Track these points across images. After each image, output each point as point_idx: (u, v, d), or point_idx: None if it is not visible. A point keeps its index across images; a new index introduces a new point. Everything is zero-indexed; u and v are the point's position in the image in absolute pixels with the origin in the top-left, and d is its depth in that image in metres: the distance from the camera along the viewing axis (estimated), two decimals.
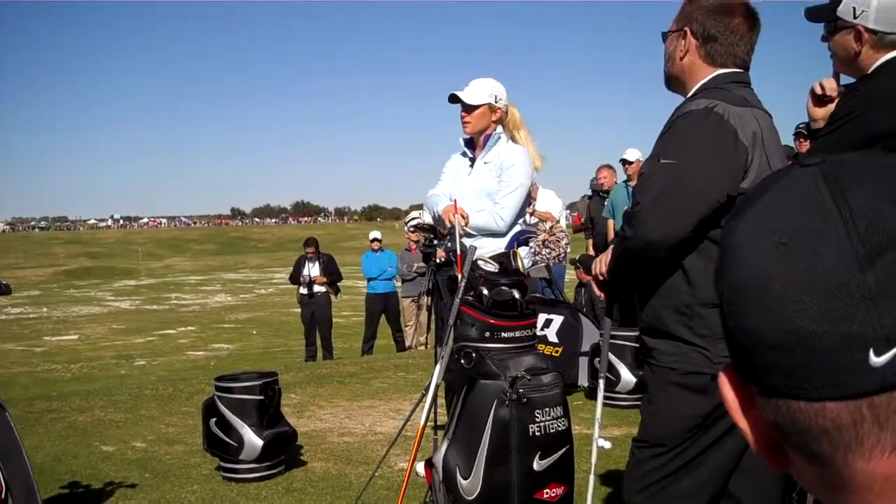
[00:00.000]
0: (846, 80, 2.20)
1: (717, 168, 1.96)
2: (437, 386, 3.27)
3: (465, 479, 2.98)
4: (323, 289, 10.31)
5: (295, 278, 10.50)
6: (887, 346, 0.40)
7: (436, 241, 3.74)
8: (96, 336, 16.32)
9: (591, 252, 8.12)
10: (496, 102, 3.71)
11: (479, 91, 3.70)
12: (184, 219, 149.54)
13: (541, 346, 5.23)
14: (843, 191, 0.43)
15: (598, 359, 4.05)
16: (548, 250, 6.03)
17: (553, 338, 6.20)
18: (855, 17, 2.03)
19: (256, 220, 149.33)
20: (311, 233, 14.20)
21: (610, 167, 8.36)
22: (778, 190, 0.46)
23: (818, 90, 2.22)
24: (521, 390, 2.96)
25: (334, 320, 10.86)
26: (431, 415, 3.48)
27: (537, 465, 2.98)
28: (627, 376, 5.58)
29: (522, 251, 3.57)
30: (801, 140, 5.72)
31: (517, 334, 3.15)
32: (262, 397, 4.24)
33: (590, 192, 8.69)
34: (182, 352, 13.74)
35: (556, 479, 3.03)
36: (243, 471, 4.23)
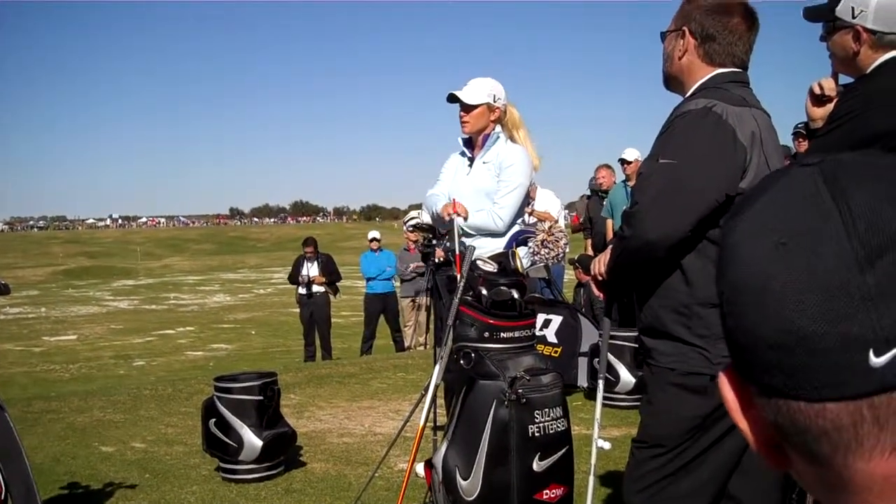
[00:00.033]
0: (845, 79, 2.20)
1: (715, 168, 1.96)
2: (437, 386, 3.27)
3: (465, 479, 2.98)
4: (322, 289, 10.30)
5: (294, 278, 10.49)
6: (887, 346, 0.40)
7: (434, 241, 3.73)
8: (95, 336, 16.32)
9: (590, 252, 8.12)
10: (495, 102, 3.70)
11: (478, 90, 3.69)
12: (182, 218, 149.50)
13: (540, 347, 5.23)
14: (842, 191, 0.43)
15: (597, 359, 4.04)
16: (546, 250, 6.01)
17: (552, 338, 6.19)
18: (853, 17, 2.03)
19: (255, 219, 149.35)
20: (309, 233, 14.17)
21: (608, 167, 8.36)
22: (777, 190, 0.46)
23: (817, 90, 2.22)
24: (520, 391, 2.95)
25: (333, 320, 10.86)
26: (431, 415, 3.48)
27: (537, 465, 2.97)
28: (627, 377, 5.58)
29: (521, 251, 3.57)
30: (800, 140, 5.72)
31: (516, 334, 3.15)
32: (261, 398, 4.23)
33: (588, 192, 8.69)
34: (181, 352, 13.74)
35: (556, 479, 3.02)
36: (243, 471, 4.23)
